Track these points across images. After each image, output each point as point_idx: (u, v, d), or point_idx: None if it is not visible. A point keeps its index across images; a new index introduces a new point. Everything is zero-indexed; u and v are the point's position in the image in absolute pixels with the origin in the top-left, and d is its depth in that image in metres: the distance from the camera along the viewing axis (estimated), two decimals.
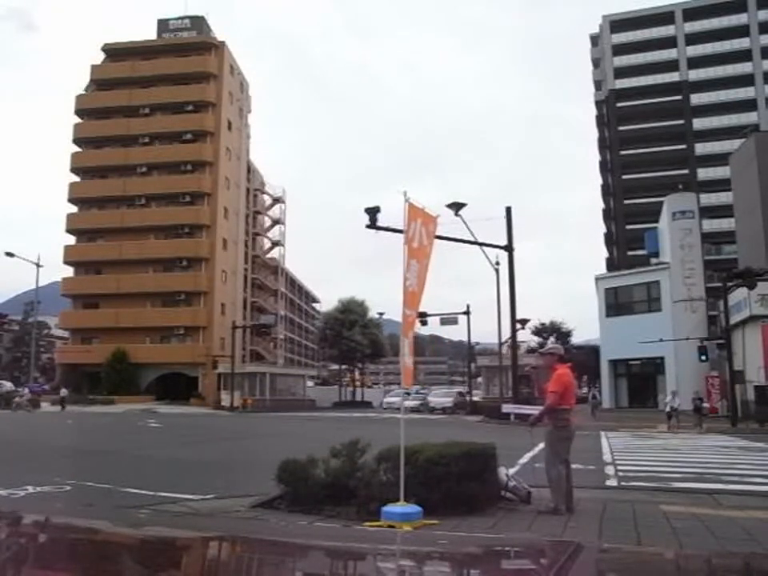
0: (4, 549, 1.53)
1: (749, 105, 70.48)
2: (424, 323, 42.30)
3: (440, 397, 44.68)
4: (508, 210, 28.32)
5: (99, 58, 59.25)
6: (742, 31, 71.44)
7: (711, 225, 62.49)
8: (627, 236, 70.33)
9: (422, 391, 53.11)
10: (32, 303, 50.83)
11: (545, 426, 7.51)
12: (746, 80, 71.24)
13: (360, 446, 7.13)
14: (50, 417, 31.99)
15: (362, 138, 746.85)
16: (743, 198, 47.59)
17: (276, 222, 72.64)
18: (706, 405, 27.19)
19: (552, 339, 58.41)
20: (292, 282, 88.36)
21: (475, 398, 42.73)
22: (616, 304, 42.97)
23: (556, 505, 7.03)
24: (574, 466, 7.71)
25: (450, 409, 40.26)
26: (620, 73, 75.82)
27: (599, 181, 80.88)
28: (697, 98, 72.43)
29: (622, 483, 10.17)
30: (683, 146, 72.17)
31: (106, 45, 58.88)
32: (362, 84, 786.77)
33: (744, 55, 71.34)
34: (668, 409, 24.47)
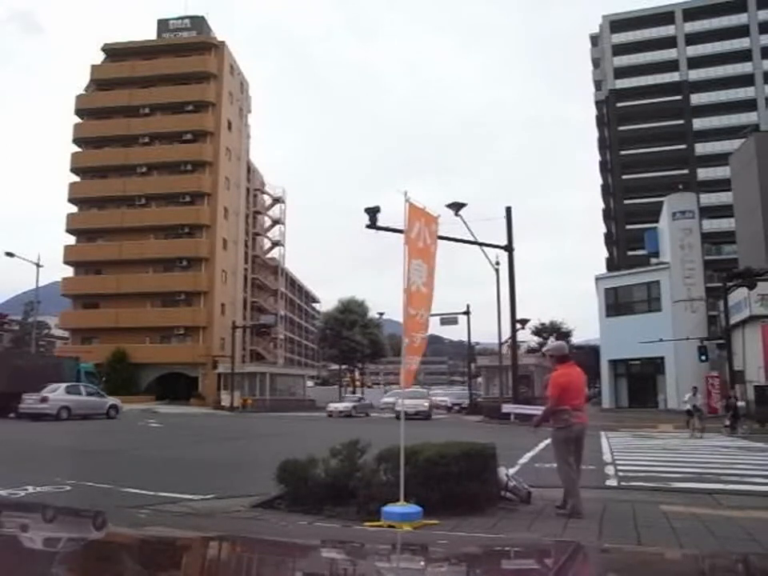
0: (4, 549, 1.53)
1: (749, 105, 70.50)
2: None
3: (414, 399, 33.25)
4: (508, 210, 28.38)
5: (99, 58, 59.38)
6: (742, 31, 71.44)
7: (711, 225, 62.48)
8: (627, 236, 70.31)
9: (362, 397, 46.33)
10: (32, 303, 50.66)
11: (549, 426, 7.53)
12: (746, 80, 71.25)
13: (360, 446, 7.13)
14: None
15: (363, 138, 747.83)
16: (743, 198, 47.65)
17: (276, 221, 72.69)
18: (742, 403, 24.22)
19: (552, 339, 58.36)
20: (292, 282, 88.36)
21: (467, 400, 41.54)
22: (616, 304, 42.99)
23: (573, 505, 7.02)
24: None
25: (424, 413, 32.84)
26: (620, 73, 75.82)
27: (599, 181, 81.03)
28: (697, 98, 72.44)
29: (622, 483, 10.16)
30: (683, 146, 72.16)
31: (105, 45, 58.90)
32: (363, 83, 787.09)
33: (744, 55, 71.35)
34: (688, 407, 21.74)
